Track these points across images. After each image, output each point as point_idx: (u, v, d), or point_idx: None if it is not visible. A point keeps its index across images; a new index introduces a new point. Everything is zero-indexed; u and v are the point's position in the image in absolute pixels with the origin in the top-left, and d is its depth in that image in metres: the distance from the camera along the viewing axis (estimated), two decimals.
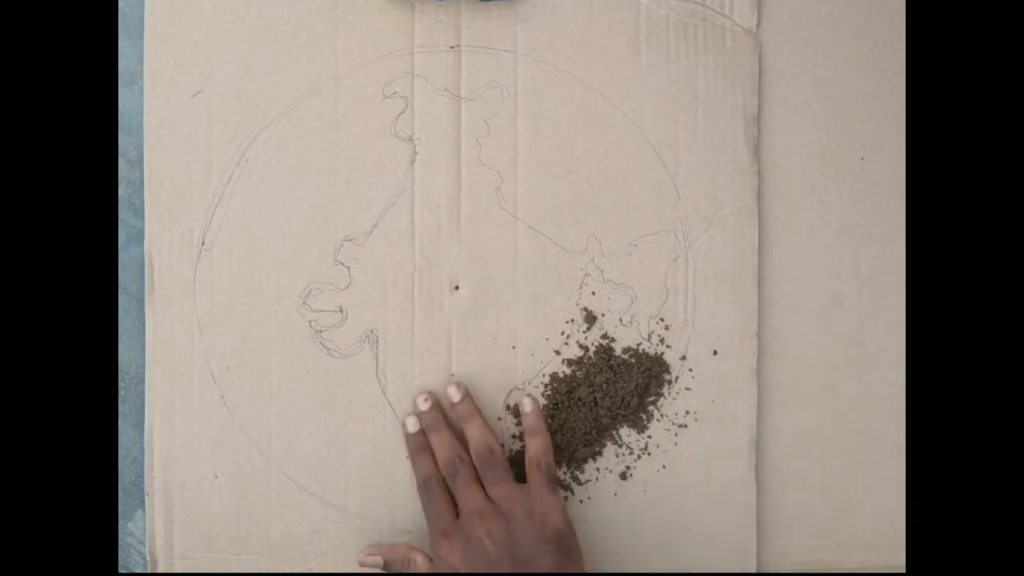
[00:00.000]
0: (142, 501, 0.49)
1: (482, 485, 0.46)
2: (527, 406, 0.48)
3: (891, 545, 0.51)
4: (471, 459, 0.46)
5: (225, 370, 0.48)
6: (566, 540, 0.44)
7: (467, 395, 0.48)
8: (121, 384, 0.49)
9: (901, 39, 0.50)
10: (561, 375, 0.49)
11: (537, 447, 0.47)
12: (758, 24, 0.50)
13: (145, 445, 0.48)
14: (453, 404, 0.48)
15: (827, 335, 0.51)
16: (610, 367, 0.49)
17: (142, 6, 0.47)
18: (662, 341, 0.50)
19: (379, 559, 0.47)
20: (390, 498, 0.49)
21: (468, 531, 0.44)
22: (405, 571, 0.46)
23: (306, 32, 0.48)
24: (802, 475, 0.51)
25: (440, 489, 0.46)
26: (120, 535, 0.49)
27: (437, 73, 0.49)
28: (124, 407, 0.49)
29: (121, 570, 0.49)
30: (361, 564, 0.47)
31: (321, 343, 0.49)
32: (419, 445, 0.47)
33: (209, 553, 0.48)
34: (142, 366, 0.48)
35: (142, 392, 0.48)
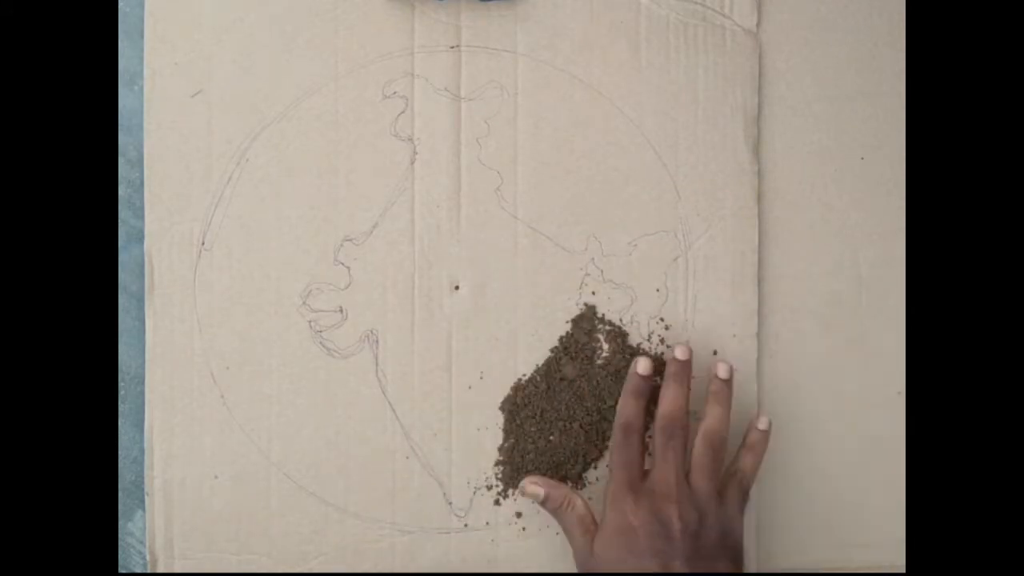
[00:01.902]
0: (142, 501, 0.49)
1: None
2: (762, 424, 0.47)
3: (891, 545, 0.51)
4: (688, 434, 0.45)
5: (225, 370, 0.48)
6: (740, 557, 0.44)
7: (731, 378, 0.47)
8: (121, 384, 0.49)
9: (901, 39, 0.50)
10: (561, 374, 0.49)
11: (747, 464, 0.46)
12: (758, 24, 0.50)
13: (145, 445, 0.48)
14: (716, 378, 0.46)
15: (827, 335, 0.51)
16: (611, 366, 0.49)
17: (142, 6, 0.47)
18: (662, 341, 0.50)
19: (541, 491, 0.46)
20: (390, 498, 0.49)
21: (660, 501, 0.43)
22: (563, 513, 0.46)
23: (306, 32, 0.48)
24: (802, 475, 0.51)
25: (640, 440, 0.45)
26: (120, 535, 0.49)
27: (437, 73, 0.49)
28: (124, 407, 0.49)
29: (121, 570, 0.49)
30: (522, 492, 0.47)
31: (321, 343, 0.49)
32: (640, 389, 0.46)
33: (209, 553, 0.48)
34: (142, 366, 0.48)
35: (142, 392, 0.48)
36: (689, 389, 0.47)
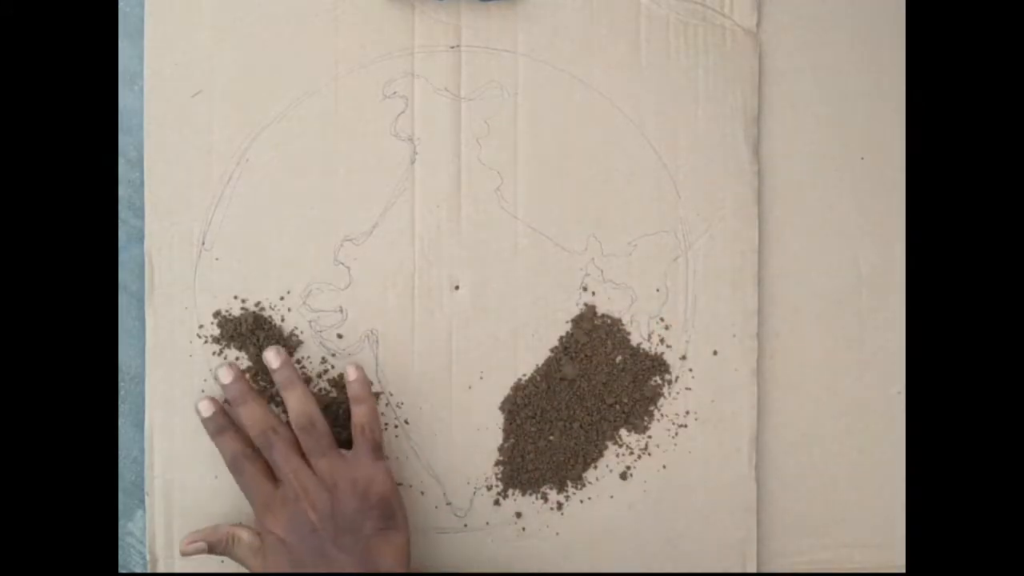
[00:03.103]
0: (142, 501, 0.49)
1: (302, 455, 0.45)
2: (352, 374, 0.47)
3: (891, 545, 0.51)
4: (289, 430, 0.45)
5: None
6: (390, 504, 0.45)
7: (287, 361, 0.46)
8: (121, 384, 0.49)
9: (901, 39, 0.50)
10: (561, 374, 0.49)
11: (362, 414, 0.46)
12: (758, 24, 0.50)
13: (145, 445, 0.48)
14: (273, 370, 0.46)
15: (827, 335, 0.51)
16: (610, 366, 0.49)
17: (142, 6, 0.47)
18: (662, 341, 0.50)
19: (202, 544, 0.46)
20: None
21: (291, 504, 0.44)
22: (230, 550, 0.46)
23: (306, 32, 0.48)
24: (802, 475, 0.51)
25: (253, 463, 0.45)
26: (120, 535, 0.49)
27: (437, 73, 0.49)
28: (124, 407, 0.49)
29: (121, 570, 0.49)
30: (184, 554, 0.46)
31: (321, 343, 0.49)
32: (218, 426, 0.46)
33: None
34: (142, 366, 0.48)
35: (142, 392, 0.48)
36: (266, 401, 0.46)
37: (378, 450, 0.46)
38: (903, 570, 0.50)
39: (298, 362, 0.48)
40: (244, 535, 0.46)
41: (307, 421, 0.45)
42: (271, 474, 0.45)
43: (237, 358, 0.48)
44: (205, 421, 0.46)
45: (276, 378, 0.46)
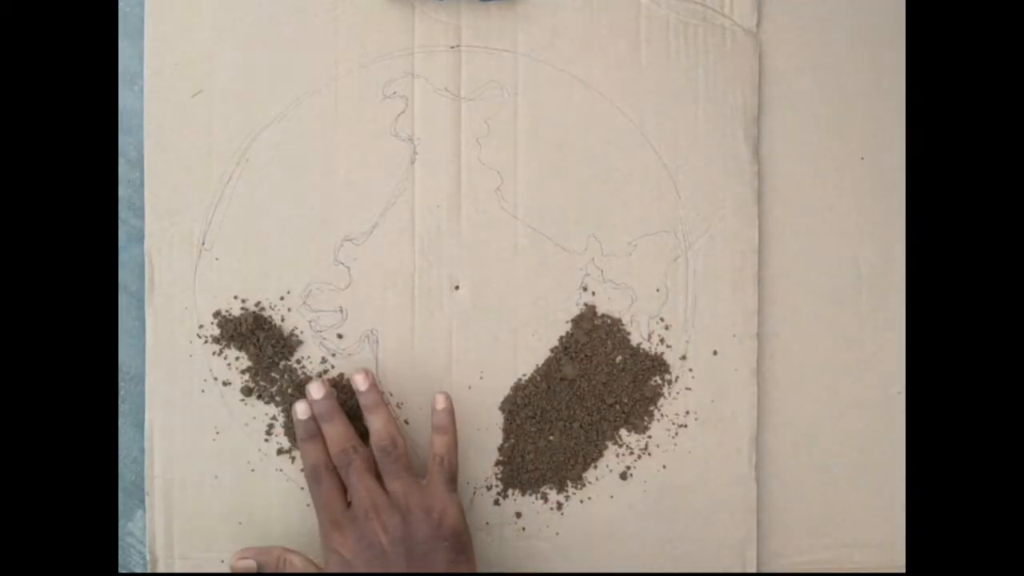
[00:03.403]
0: (142, 501, 0.49)
1: (378, 477, 0.45)
2: (440, 403, 0.47)
3: (891, 545, 0.51)
4: (369, 451, 0.45)
5: (226, 369, 0.48)
6: (462, 539, 0.44)
7: (374, 384, 0.47)
8: (121, 384, 0.49)
9: (901, 39, 0.50)
10: (561, 374, 0.49)
11: (442, 445, 0.46)
12: (758, 24, 0.50)
13: (145, 445, 0.48)
14: (360, 392, 0.47)
15: (827, 335, 0.51)
16: (610, 366, 0.49)
17: (142, 6, 0.47)
18: (662, 341, 0.50)
19: (252, 563, 0.45)
20: None
21: (362, 523, 0.44)
22: (281, 570, 0.45)
23: (306, 32, 0.48)
24: (802, 475, 0.51)
25: (331, 478, 0.45)
26: (120, 535, 0.49)
27: (437, 73, 0.49)
28: (124, 407, 0.49)
29: (121, 570, 0.49)
30: (233, 570, 0.46)
31: (321, 343, 0.49)
32: (310, 432, 0.46)
33: (209, 553, 0.48)
34: (142, 366, 0.48)
35: (142, 392, 0.48)
36: (349, 421, 0.46)
37: (453, 482, 0.46)
38: (903, 570, 0.50)
39: (298, 362, 0.48)
40: (297, 561, 0.45)
41: (389, 441, 0.45)
42: (345, 494, 0.45)
43: (237, 358, 0.48)
44: (299, 423, 0.46)
45: (362, 400, 0.46)
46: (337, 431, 0.46)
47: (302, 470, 0.47)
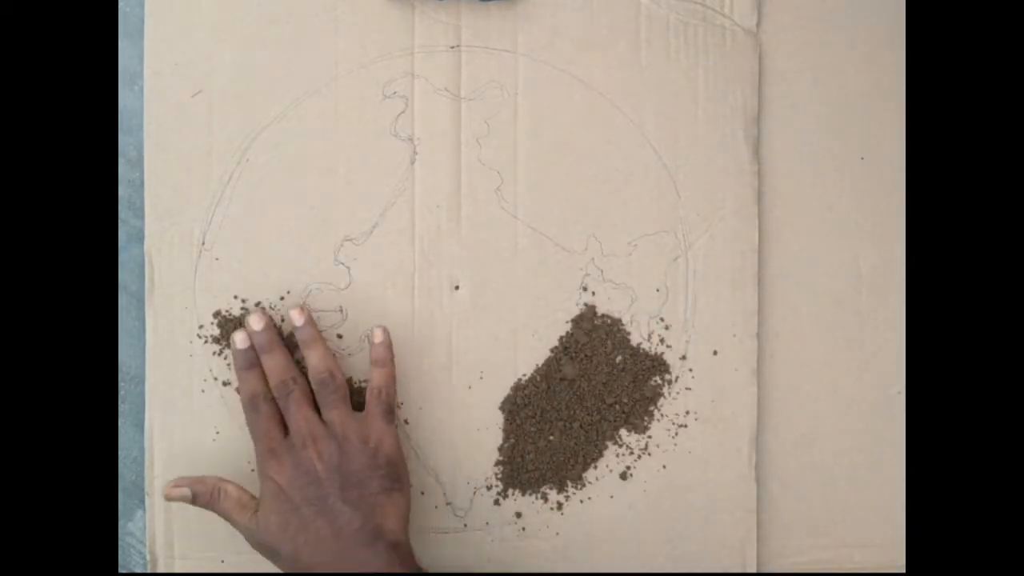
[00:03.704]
0: (142, 501, 0.49)
1: (316, 408, 0.45)
2: (378, 336, 0.47)
3: (891, 545, 0.51)
4: (307, 383, 0.46)
5: (226, 369, 0.48)
6: (397, 468, 0.45)
7: (310, 319, 0.47)
8: (121, 384, 0.49)
9: (901, 39, 0.50)
10: (561, 374, 0.49)
11: (380, 377, 0.46)
12: (758, 24, 0.50)
13: (145, 445, 0.48)
14: (296, 327, 0.47)
15: (827, 335, 0.51)
16: (610, 366, 0.49)
17: (142, 6, 0.47)
18: (662, 341, 0.50)
19: (186, 491, 0.45)
20: None
21: (299, 451, 0.44)
22: (216, 503, 0.45)
23: (306, 32, 0.48)
24: (802, 475, 0.51)
25: (269, 407, 0.45)
26: (120, 535, 0.49)
27: (437, 73, 0.49)
28: (124, 407, 0.49)
29: (121, 570, 0.49)
30: (168, 498, 0.46)
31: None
32: (249, 361, 0.46)
33: (209, 553, 0.48)
34: (142, 366, 0.48)
35: (142, 392, 0.48)
36: (290, 354, 0.47)
37: (390, 414, 0.46)
38: (903, 570, 0.50)
39: (298, 362, 0.48)
40: (232, 489, 0.45)
41: (327, 375, 0.45)
42: (283, 424, 0.45)
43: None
44: (237, 352, 0.46)
45: (299, 335, 0.47)
46: (277, 362, 0.46)
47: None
